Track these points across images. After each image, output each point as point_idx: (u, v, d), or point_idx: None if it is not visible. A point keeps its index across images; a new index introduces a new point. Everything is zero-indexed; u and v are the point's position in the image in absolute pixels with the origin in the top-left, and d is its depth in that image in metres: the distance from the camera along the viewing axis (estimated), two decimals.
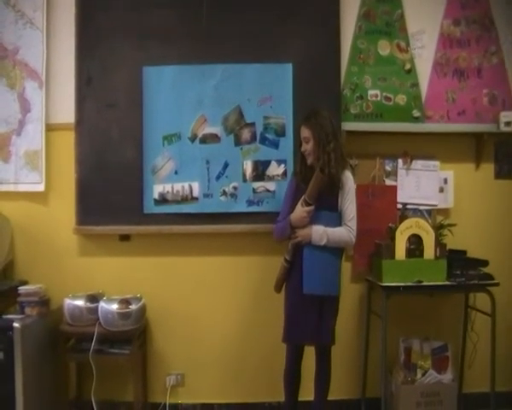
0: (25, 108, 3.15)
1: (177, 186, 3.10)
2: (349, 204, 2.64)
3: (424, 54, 3.26)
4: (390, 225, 3.01)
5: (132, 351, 2.87)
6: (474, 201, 3.29)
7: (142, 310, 2.98)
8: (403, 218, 3.00)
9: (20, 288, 2.88)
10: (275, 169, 3.12)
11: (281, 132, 3.11)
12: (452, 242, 3.02)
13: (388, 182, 3.24)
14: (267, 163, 3.12)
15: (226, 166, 3.10)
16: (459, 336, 3.26)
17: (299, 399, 2.82)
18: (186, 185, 3.10)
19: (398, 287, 2.84)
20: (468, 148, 3.30)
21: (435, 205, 3.24)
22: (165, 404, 3.16)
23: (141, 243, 3.17)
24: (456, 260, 2.98)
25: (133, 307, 2.90)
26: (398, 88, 3.23)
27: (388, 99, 3.22)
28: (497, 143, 3.31)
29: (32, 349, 2.73)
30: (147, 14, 3.09)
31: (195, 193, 3.10)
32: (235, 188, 3.11)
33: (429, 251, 2.89)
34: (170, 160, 3.10)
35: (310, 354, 2.75)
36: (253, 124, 3.12)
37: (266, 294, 2.96)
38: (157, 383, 3.20)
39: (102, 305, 2.86)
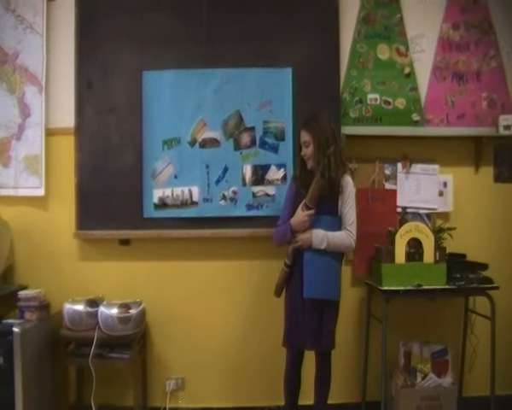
0: (24, 112, 3.16)
1: (177, 190, 3.10)
2: (349, 208, 2.64)
3: (423, 58, 3.27)
4: (390, 228, 3.01)
5: (132, 355, 2.87)
6: (473, 204, 3.29)
7: (142, 314, 2.98)
8: (402, 222, 3.00)
9: (19, 292, 2.88)
10: (274, 173, 3.12)
11: (280, 137, 3.12)
12: (452, 245, 3.01)
13: (388, 186, 3.24)
14: (267, 167, 3.12)
15: (226, 170, 3.11)
16: (459, 340, 3.26)
17: (299, 403, 2.82)
18: (186, 190, 3.10)
19: (398, 291, 2.84)
20: (468, 151, 3.30)
21: (435, 209, 3.24)
22: (165, 408, 3.15)
23: (141, 247, 3.17)
24: (456, 264, 2.98)
25: (133, 311, 2.90)
26: (397, 92, 3.24)
27: (388, 103, 3.23)
28: (496, 146, 3.31)
29: (32, 354, 2.73)
30: (146, 19, 3.10)
31: (195, 197, 3.10)
32: (234, 192, 3.11)
33: (429, 255, 2.89)
34: (169, 164, 3.10)
35: (310, 358, 2.75)
36: (252, 128, 3.12)
37: (266, 298, 2.96)
38: (157, 387, 3.19)
39: (102, 309, 2.86)
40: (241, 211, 3.11)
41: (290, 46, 3.12)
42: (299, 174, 2.74)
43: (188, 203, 3.11)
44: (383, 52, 3.25)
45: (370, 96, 3.22)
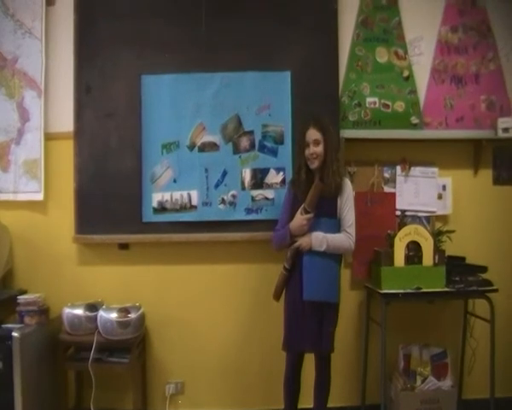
0: (24, 117, 3.15)
1: (176, 195, 3.10)
2: (348, 211, 2.65)
3: (422, 61, 3.27)
4: (389, 232, 3.02)
5: (131, 360, 2.87)
6: (472, 207, 3.30)
7: (142, 319, 2.98)
8: (401, 225, 3.01)
9: (19, 297, 2.88)
10: (273, 177, 3.12)
11: (279, 140, 3.12)
12: (451, 248, 3.02)
13: (387, 189, 3.25)
14: (266, 171, 3.12)
15: (225, 174, 3.11)
16: (458, 343, 3.27)
17: (299, 406, 2.82)
18: (185, 194, 3.10)
19: (397, 294, 2.85)
20: (467, 154, 3.31)
21: (434, 212, 3.24)
22: None
23: (140, 251, 3.17)
24: (455, 267, 2.98)
25: (132, 315, 2.90)
26: (396, 95, 3.24)
27: (386, 106, 3.23)
28: (495, 149, 3.31)
29: (31, 359, 2.73)
30: (145, 23, 3.10)
31: (194, 201, 3.10)
32: (233, 196, 3.11)
33: (428, 258, 2.89)
34: (169, 168, 3.10)
35: (309, 362, 2.75)
36: (251, 132, 3.12)
37: (265, 302, 2.96)
38: (156, 391, 3.19)
39: (101, 314, 2.86)
40: (240, 215, 3.11)
41: (289, 50, 3.12)
42: (296, 178, 2.73)
43: (187, 207, 3.11)
44: (382, 55, 3.25)
45: (369, 99, 3.23)
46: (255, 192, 3.12)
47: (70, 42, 3.12)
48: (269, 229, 2.89)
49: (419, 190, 3.24)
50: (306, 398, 2.81)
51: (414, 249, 2.90)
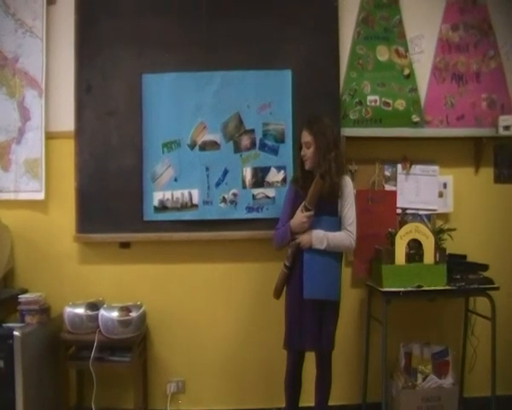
0: (24, 116, 3.16)
1: (177, 193, 3.10)
2: (348, 209, 2.65)
3: (423, 59, 3.27)
4: (390, 230, 3.01)
5: (133, 358, 2.87)
6: (473, 205, 3.29)
7: (143, 317, 2.98)
8: (402, 223, 3.00)
9: (20, 296, 2.88)
10: (274, 175, 3.12)
11: (280, 139, 3.12)
12: (452, 246, 3.02)
13: (388, 187, 3.25)
14: (267, 170, 3.12)
15: (226, 172, 3.11)
16: (459, 341, 3.26)
17: (300, 405, 2.82)
18: (186, 192, 3.10)
19: (398, 292, 2.85)
20: (468, 152, 3.30)
21: (435, 210, 3.24)
22: None
23: (141, 250, 3.17)
24: (456, 265, 2.98)
25: (133, 314, 2.90)
26: (397, 93, 3.24)
27: (387, 104, 3.23)
28: (496, 147, 3.31)
29: (33, 358, 2.73)
30: (146, 22, 3.10)
31: (195, 200, 3.10)
32: (234, 195, 3.11)
33: (429, 256, 2.89)
34: (169, 167, 3.11)
35: (310, 360, 2.75)
36: (252, 130, 3.12)
37: (266, 300, 2.95)
38: (158, 390, 3.20)
39: (103, 313, 2.86)
40: (241, 213, 3.11)
41: (290, 48, 3.12)
42: (297, 176, 2.76)
43: (188, 206, 3.11)
44: (383, 53, 3.25)
45: (370, 97, 3.23)
46: (256, 191, 3.12)
47: (71, 41, 3.12)
48: (270, 227, 2.89)
49: (420, 189, 3.24)
50: (307, 396, 2.81)
51: (415, 247, 2.90)
